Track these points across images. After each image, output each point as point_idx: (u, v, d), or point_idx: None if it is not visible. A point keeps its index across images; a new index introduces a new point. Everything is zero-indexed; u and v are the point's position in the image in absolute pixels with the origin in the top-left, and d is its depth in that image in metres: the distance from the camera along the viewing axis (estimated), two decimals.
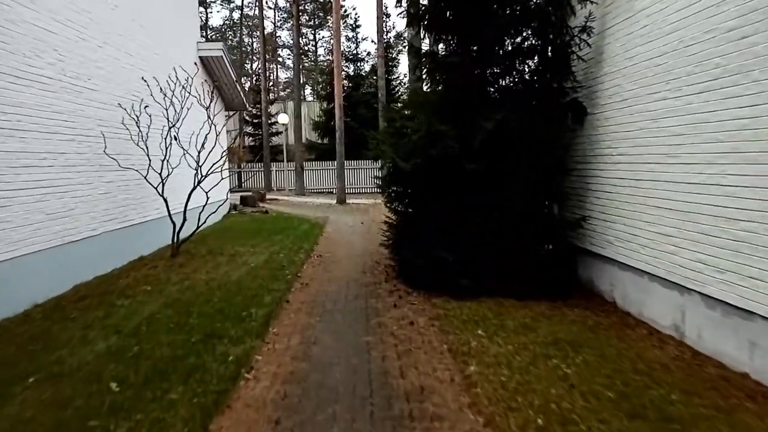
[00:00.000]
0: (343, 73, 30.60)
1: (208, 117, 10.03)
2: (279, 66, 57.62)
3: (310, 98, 44.90)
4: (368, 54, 31.65)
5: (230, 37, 52.69)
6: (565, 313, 6.16)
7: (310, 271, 8.61)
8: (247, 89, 29.87)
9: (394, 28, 52.56)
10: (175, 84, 9.96)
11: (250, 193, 18.71)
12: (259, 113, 27.64)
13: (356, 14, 52.19)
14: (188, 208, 9.92)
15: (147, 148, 9.21)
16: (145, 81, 9.59)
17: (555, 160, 6.83)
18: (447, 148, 6.60)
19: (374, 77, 31.34)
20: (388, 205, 8.21)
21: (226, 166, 15.50)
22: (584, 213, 7.12)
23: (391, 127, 8.06)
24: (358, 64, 31.21)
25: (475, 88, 7.11)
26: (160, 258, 9.38)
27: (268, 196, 21.54)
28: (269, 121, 29.41)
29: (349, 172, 28.42)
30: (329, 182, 27.87)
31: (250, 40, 53.34)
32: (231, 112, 16.74)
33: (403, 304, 6.57)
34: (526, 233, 6.83)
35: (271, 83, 56.45)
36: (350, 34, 33.58)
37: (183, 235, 9.77)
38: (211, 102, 10.36)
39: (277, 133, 31.23)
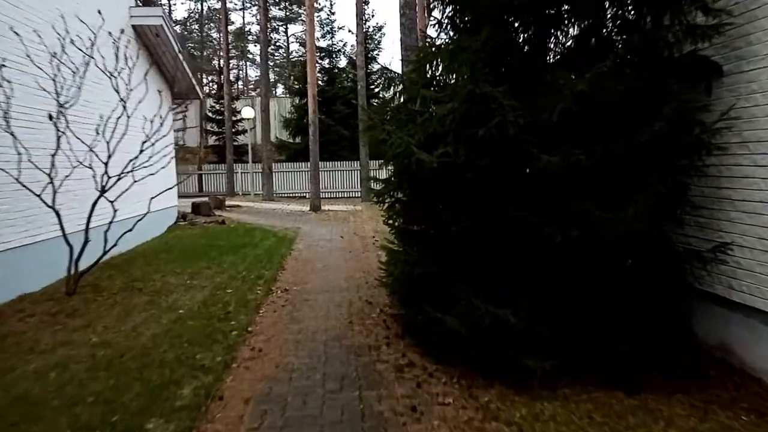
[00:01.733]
0: (317, 66, 27.75)
1: (118, 92, 7.02)
2: (249, 64, 54.40)
3: (282, 96, 41.69)
4: (344, 45, 28.75)
5: (195, 32, 49.24)
6: (728, 424, 3.38)
7: (269, 321, 5.69)
8: (210, 84, 26.53)
9: (373, 15, 49.77)
10: (90, 47, 6.94)
11: (205, 200, 15.59)
12: (223, 109, 24.38)
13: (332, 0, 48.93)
14: (116, 219, 6.94)
15: (14, 136, 6.17)
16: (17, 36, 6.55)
17: (686, 149, 4.06)
18: (503, 126, 3.76)
19: (352, 72, 28.52)
20: (390, 222, 5.37)
21: (171, 165, 12.52)
22: (717, 237, 4.36)
23: (400, 110, 5.20)
24: (334, 57, 28.34)
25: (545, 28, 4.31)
26: (49, 298, 6.36)
27: (229, 202, 18.47)
28: (234, 118, 26.25)
29: (324, 174, 25.41)
30: (301, 186, 24.88)
31: (219, 35, 50.02)
32: (180, 102, 13.66)
33: (428, 405, 3.70)
34: (631, 273, 4.08)
35: (240, 82, 53.20)
36: (325, 17, 30.66)
37: (100, 258, 6.74)
38: (129, 71, 7.36)
39: (243, 132, 28.08)
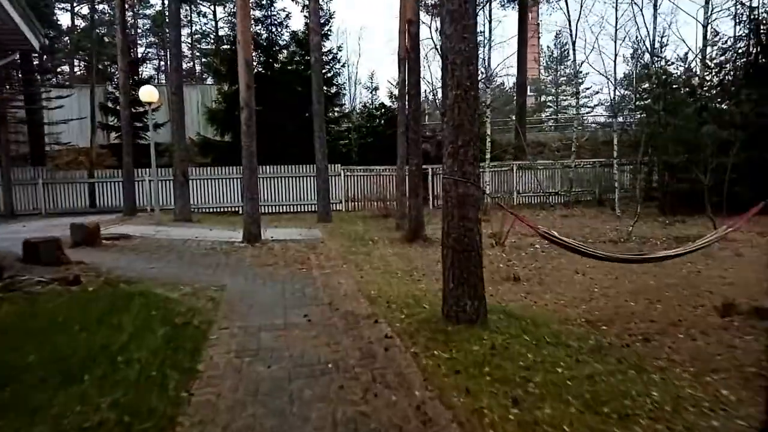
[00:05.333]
0: (253, 39, 21.34)
1: None
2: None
3: (209, 84, 34.47)
4: (288, 17, 22.41)
5: (106, 12, 41.33)
6: None
7: None
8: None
9: None
10: None
11: (52, 237, 8.87)
12: (128, 95, 17.47)
13: None
14: None
15: None
16: None
17: None
18: None
19: (299, 51, 22.28)
20: None
21: None
22: None
23: None
24: (275, 30, 22.05)
25: None
26: None
27: (113, 230, 11.95)
28: (148, 110, 19.30)
29: (266, 182, 19.18)
30: (234, 197, 18.48)
31: (135, 20, 42.32)
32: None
33: None
34: None
35: (162, 75, 45.51)
36: None
37: None
38: None
39: (156, 126, 21.29)
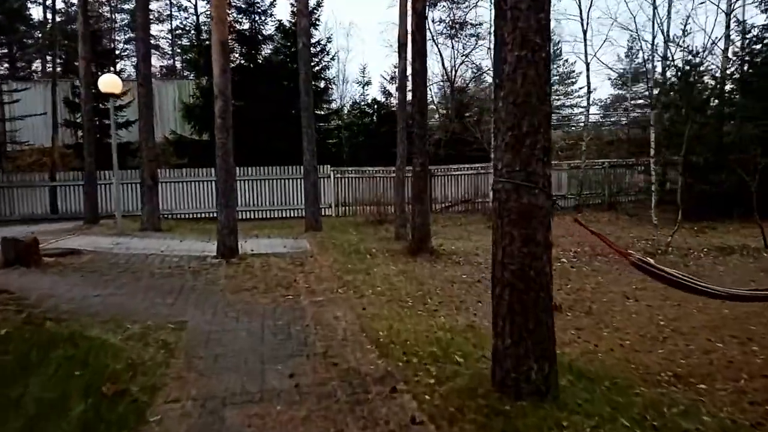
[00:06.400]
0: (235, 30, 19.57)
1: None
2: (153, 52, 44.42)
3: (186, 78, 32.29)
4: (273, 4, 20.58)
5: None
6: None
7: None
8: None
9: None
10: None
11: None
12: (91, 87, 15.38)
13: None
14: None
15: None
16: None
17: None
18: None
19: (285, 42, 20.52)
20: None
21: None
22: None
23: None
24: (258, 19, 20.27)
25: None
26: None
27: (60, 243, 10.14)
28: (114, 104, 17.35)
29: (247, 185, 17.36)
30: (210, 202, 16.62)
31: (112, 14, 40.26)
32: None
33: None
34: None
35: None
36: None
37: None
38: None
39: (128, 124, 19.36)
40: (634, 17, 44.97)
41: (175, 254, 9.52)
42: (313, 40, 19.79)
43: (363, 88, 25.49)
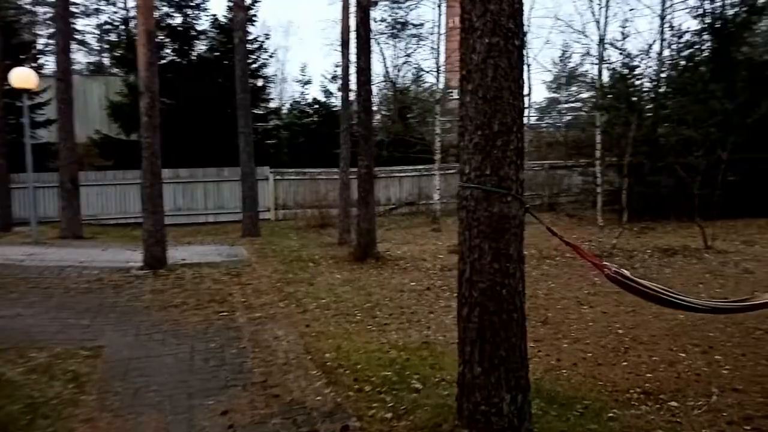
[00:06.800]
0: (164, 21, 18.43)
1: None
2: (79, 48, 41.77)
3: (115, 74, 30.37)
4: None
5: None
6: None
7: None
8: None
9: None
10: None
11: None
12: (7, 86, 13.84)
13: None
14: None
15: None
16: None
17: None
18: None
19: (221, 38, 19.53)
20: None
21: None
22: None
23: None
24: (191, 13, 19.18)
25: None
26: None
27: None
28: (30, 101, 15.85)
29: (179, 188, 16.33)
30: (136, 206, 15.47)
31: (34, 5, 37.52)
32: None
33: None
34: None
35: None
36: None
37: None
38: None
39: (48, 123, 17.85)
40: (574, 23, 46.22)
41: (95, 266, 8.61)
42: (250, 37, 18.95)
43: (303, 87, 24.68)
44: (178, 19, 19.38)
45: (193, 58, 19.48)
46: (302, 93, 24.07)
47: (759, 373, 4.51)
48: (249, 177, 12.92)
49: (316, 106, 22.20)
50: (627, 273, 3.41)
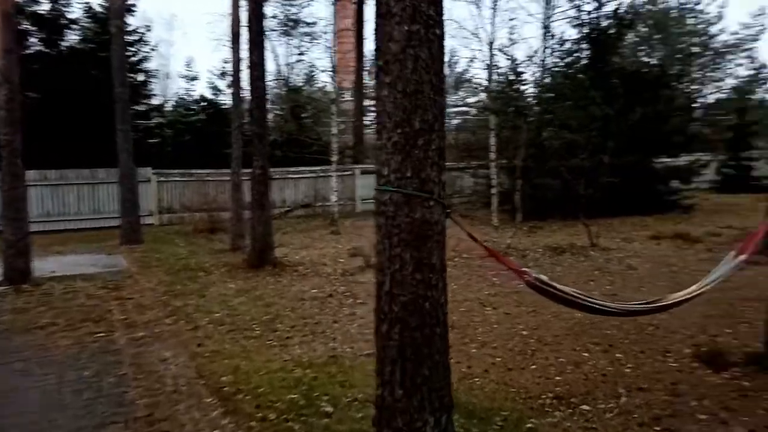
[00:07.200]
0: (31, 13, 16.51)
1: None
2: None
3: None
4: None
5: None
6: None
7: None
8: None
9: None
10: None
11: None
12: None
13: None
14: None
15: None
16: None
17: None
18: None
19: (95, 27, 17.88)
20: None
21: None
22: None
23: None
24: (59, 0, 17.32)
25: None
26: None
27: None
28: None
29: (49, 190, 14.65)
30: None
31: None
32: None
33: None
34: None
35: None
36: None
37: None
38: None
39: None
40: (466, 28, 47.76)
41: None
42: (129, 28, 17.52)
43: (189, 83, 23.28)
44: (45, 6, 17.49)
45: (63, 48, 17.66)
46: (188, 90, 22.65)
47: (658, 370, 4.65)
48: (128, 178, 11.83)
49: (204, 103, 21.03)
50: (546, 279, 3.30)
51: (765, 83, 30.84)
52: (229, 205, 11.80)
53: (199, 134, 19.46)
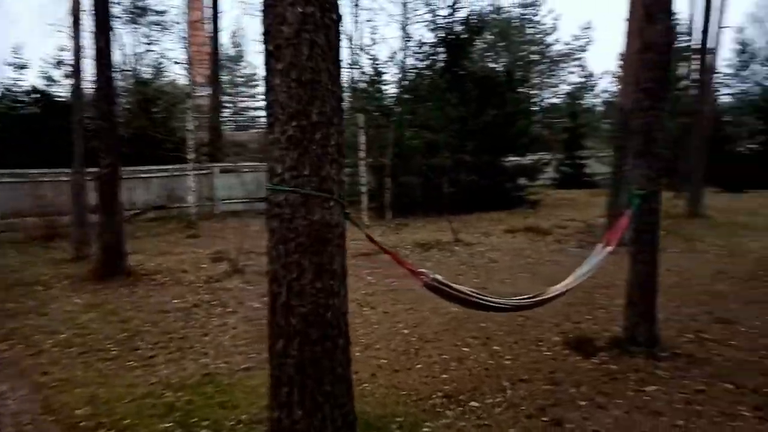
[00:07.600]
0: None
1: None
2: None
3: None
4: None
5: None
6: None
7: None
8: None
9: None
10: None
11: None
12: None
13: None
14: None
15: None
16: None
17: None
18: None
19: None
20: None
21: None
22: None
23: None
24: None
25: None
26: None
27: None
28: None
29: None
30: None
31: None
32: None
33: None
34: None
35: None
36: None
37: None
38: None
39: None
40: None
41: None
42: None
43: (17, 72, 20.37)
44: None
45: None
46: (16, 80, 19.82)
47: (535, 359, 4.84)
48: None
49: (36, 95, 18.58)
50: (442, 279, 3.22)
51: (592, 90, 34.67)
52: (71, 208, 10.48)
53: (33, 130, 17.13)
